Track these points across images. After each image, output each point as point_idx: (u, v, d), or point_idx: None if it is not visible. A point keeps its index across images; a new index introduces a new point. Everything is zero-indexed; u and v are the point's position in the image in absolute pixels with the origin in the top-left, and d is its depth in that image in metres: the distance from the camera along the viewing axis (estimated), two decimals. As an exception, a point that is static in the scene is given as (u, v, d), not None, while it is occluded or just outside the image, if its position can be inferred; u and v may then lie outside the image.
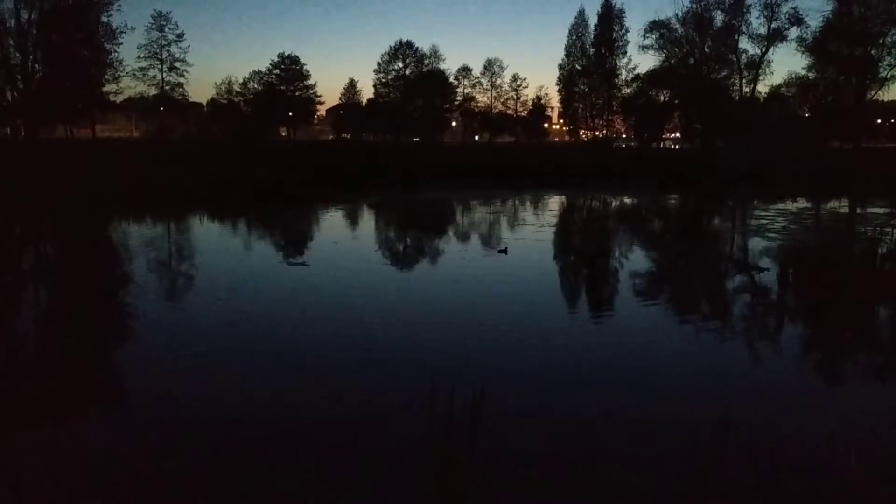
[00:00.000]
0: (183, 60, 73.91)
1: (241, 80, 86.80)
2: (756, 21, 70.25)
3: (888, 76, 63.93)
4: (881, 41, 63.00)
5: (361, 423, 6.59)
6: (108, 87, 64.11)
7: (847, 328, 10.71)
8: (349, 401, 7.10)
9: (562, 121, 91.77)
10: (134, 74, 71.21)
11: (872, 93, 65.67)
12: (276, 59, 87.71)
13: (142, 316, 10.66)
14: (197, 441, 6.15)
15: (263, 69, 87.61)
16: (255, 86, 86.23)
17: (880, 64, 63.92)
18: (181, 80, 74.19)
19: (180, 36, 73.47)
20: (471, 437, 6.07)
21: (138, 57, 73.06)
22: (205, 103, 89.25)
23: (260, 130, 66.79)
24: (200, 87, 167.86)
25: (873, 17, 62.50)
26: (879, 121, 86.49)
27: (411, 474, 5.62)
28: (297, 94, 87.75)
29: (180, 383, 7.59)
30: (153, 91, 73.86)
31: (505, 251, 16.27)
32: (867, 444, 6.16)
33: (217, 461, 5.77)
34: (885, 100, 72.22)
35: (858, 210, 29.37)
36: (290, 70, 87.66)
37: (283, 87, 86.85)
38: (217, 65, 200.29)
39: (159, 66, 73.15)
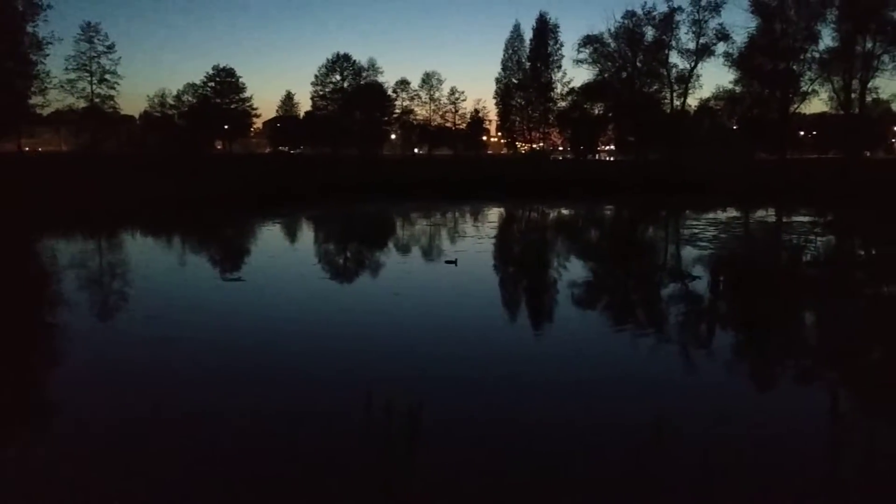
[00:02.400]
0: (114, 72, 71.93)
1: (174, 93, 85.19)
2: (685, 36, 72.21)
3: (809, 90, 66.73)
4: (802, 57, 65.76)
5: (294, 435, 6.49)
6: (34, 100, 62.04)
7: (774, 333, 11.06)
8: (281, 414, 6.98)
9: (500, 133, 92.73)
10: (62, 87, 69.01)
11: (795, 106, 68.42)
12: (210, 71, 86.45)
13: (68, 334, 10.31)
14: (121, 459, 5.95)
15: (198, 82, 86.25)
16: (190, 98, 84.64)
17: (802, 78, 66.68)
18: (112, 92, 72.16)
19: (110, 47, 71.52)
20: (408, 448, 6.05)
21: (66, 69, 70.79)
22: (137, 116, 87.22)
23: (194, 144, 65.51)
24: (133, 100, 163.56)
25: (794, 34, 65.19)
26: (802, 133, 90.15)
27: (349, 485, 5.56)
28: (232, 106, 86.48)
29: (107, 400, 7.35)
30: (83, 104, 71.71)
31: (455, 262, 16.34)
32: (794, 444, 6.37)
33: (137, 482, 5.60)
34: (808, 113, 75.42)
35: (784, 219, 30.45)
36: (225, 83, 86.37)
37: (218, 100, 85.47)
38: (150, 77, 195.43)
39: (89, 79, 71.07)
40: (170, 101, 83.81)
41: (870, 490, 5.60)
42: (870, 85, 63.04)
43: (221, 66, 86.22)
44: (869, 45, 61.57)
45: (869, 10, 58.73)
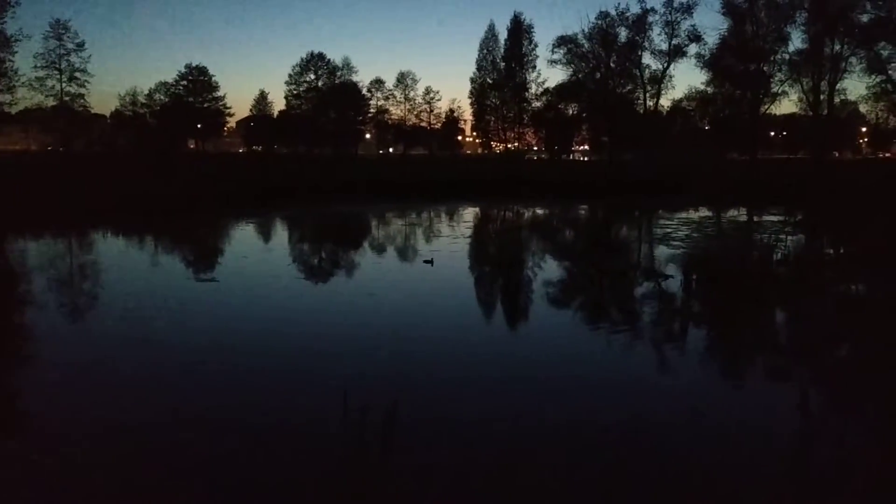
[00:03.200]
0: (84, 70, 71.02)
1: (146, 92, 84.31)
2: (658, 38, 73.01)
3: (779, 91, 67.74)
4: (772, 58, 66.73)
5: (269, 436, 6.46)
6: (2, 98, 61.10)
7: (746, 330, 11.22)
8: (256, 414, 6.95)
9: (475, 133, 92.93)
10: (31, 85, 68.02)
11: (766, 107, 69.37)
12: (183, 70, 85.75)
13: (35, 336, 10.18)
14: (95, 463, 5.89)
15: (170, 80, 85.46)
16: (162, 97, 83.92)
17: (772, 80, 67.68)
18: (82, 90, 71.25)
19: (80, 45, 70.61)
20: (384, 449, 6.06)
21: (35, 66, 69.73)
22: (108, 115, 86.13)
23: (167, 143, 64.83)
24: (104, 98, 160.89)
25: (765, 36, 66.10)
26: (773, 133, 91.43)
27: (325, 486, 5.56)
28: (205, 105, 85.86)
29: (81, 403, 7.26)
30: (52, 102, 70.69)
31: (431, 262, 16.37)
32: (767, 443, 6.48)
33: (114, 484, 5.55)
34: (778, 113, 76.57)
35: (755, 218, 30.86)
36: (198, 81, 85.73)
37: (191, 99, 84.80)
38: (122, 76, 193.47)
39: (58, 77, 70.08)
40: (141, 99, 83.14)
41: (841, 486, 5.71)
42: (838, 87, 64.16)
43: (194, 65, 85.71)
44: (837, 47, 62.64)
45: (837, 13, 59.71)
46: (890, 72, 59.66)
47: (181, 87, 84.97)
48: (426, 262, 16.50)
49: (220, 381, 8.12)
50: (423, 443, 6.38)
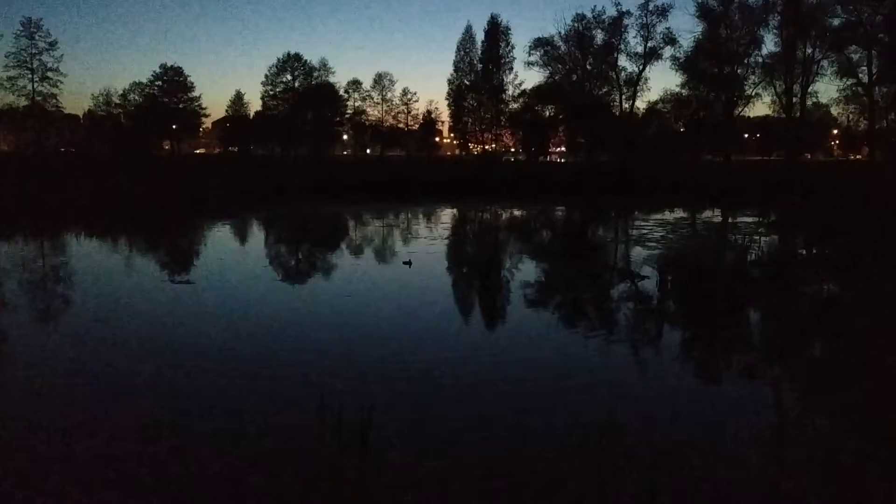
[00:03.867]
0: (56, 70, 70.22)
1: (120, 92, 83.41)
2: (633, 40, 73.53)
3: (753, 94, 68.57)
4: (746, 61, 67.55)
5: (242, 439, 6.42)
6: (-29, 97, 60.20)
7: (721, 330, 11.33)
8: (234, 418, 6.91)
9: (452, 135, 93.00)
10: (2, 84, 67.13)
11: (740, 109, 70.21)
12: (158, 70, 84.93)
13: (7, 338, 10.02)
14: (59, 468, 5.82)
15: (145, 80, 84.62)
16: (136, 98, 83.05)
17: (746, 82, 68.50)
18: (54, 90, 70.41)
19: (53, 44, 69.79)
20: (361, 452, 6.05)
21: (6, 66, 68.81)
22: (81, 116, 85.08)
23: (141, 144, 64.22)
24: (77, 98, 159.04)
25: (739, 39, 66.90)
26: (747, 135, 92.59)
27: (301, 490, 5.54)
28: (180, 106, 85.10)
29: (52, 406, 7.17)
30: (24, 102, 69.73)
31: (409, 263, 16.38)
32: (740, 441, 6.56)
33: (82, 491, 5.49)
34: (752, 116, 77.56)
35: (730, 219, 31.21)
36: (173, 81, 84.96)
37: (165, 99, 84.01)
38: (95, 76, 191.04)
39: (30, 76, 69.16)
40: (115, 100, 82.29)
41: (811, 482, 5.80)
42: (810, 89, 65.13)
43: (169, 65, 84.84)
44: (809, 50, 63.57)
45: (809, 17, 60.59)
46: (860, 75, 60.69)
47: (156, 88, 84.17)
48: (404, 263, 16.52)
49: (192, 383, 8.05)
50: (397, 445, 6.37)
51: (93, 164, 42.88)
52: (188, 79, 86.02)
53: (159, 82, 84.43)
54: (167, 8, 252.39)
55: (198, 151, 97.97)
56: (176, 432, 6.62)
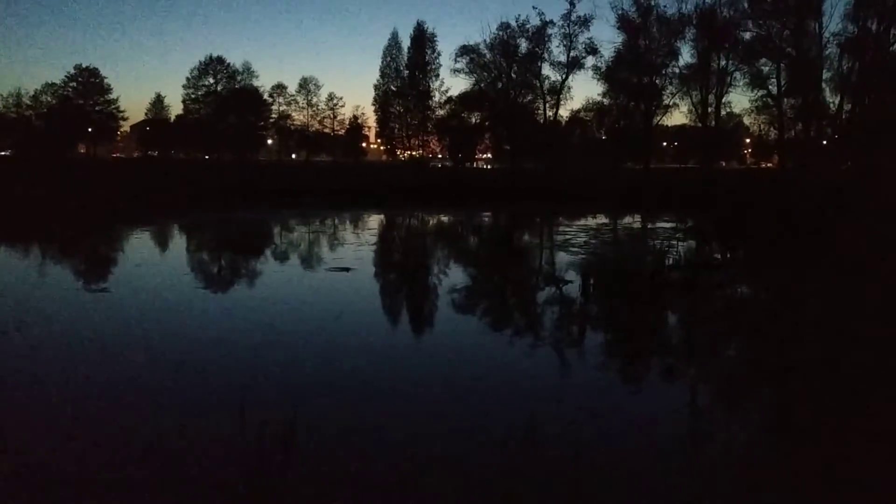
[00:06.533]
0: (-39, 69, 66.80)
1: (32, 93, 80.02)
2: (557, 49, 75.26)
3: (671, 103, 71.08)
4: (664, 72, 69.98)
5: (161, 453, 6.24)
6: None
7: (641, 332, 11.64)
8: (149, 429, 6.70)
9: (379, 140, 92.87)
10: None
11: (658, 118, 72.65)
12: (72, 70, 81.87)
13: None
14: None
15: (58, 81, 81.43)
16: (49, 99, 79.88)
17: (664, 92, 70.95)
18: (-41, 91, 67.00)
19: (-43, 42, 66.40)
20: (284, 462, 5.97)
21: None
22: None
23: (54, 147, 61.70)
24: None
25: (657, 50, 69.20)
26: (665, 143, 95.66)
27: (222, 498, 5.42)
28: (97, 108, 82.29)
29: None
30: (-75, 102, 66.14)
31: (347, 270, 16.31)
32: (662, 443, 6.75)
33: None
34: (670, 125, 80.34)
35: (649, 225, 32.09)
36: (88, 83, 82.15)
37: (80, 101, 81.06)
38: (5, 76, 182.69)
39: (-68, 75, 65.63)
40: (26, 101, 78.90)
41: (730, 481, 6.02)
42: (724, 100, 67.99)
43: (84, 66, 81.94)
44: (723, 62, 66.30)
45: (723, 30, 63.19)
46: (770, 86, 63.62)
47: (70, 89, 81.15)
48: (335, 270, 16.39)
49: (106, 392, 7.77)
50: (322, 451, 6.31)
51: (0, 166, 40.94)
52: (105, 80, 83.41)
53: (74, 83, 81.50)
54: (84, 7, 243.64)
55: (115, 156, 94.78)
56: (90, 442, 6.38)
